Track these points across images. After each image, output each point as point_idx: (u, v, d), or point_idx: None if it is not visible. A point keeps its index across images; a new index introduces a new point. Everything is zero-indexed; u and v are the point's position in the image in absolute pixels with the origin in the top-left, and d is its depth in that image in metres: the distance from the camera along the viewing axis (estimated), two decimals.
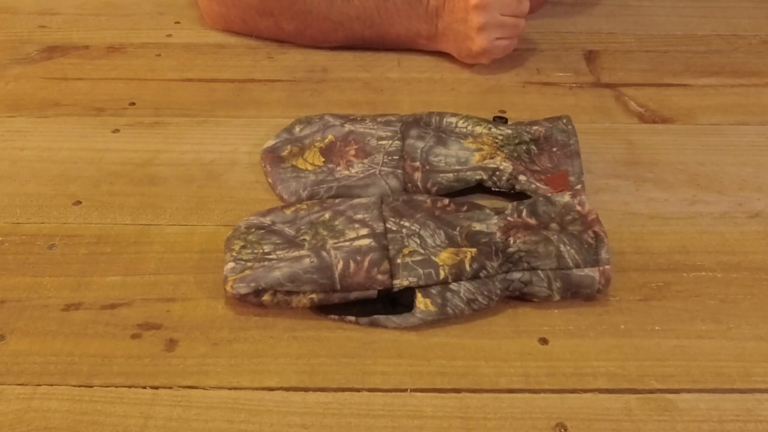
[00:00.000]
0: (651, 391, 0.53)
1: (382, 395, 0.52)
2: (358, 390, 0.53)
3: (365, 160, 0.69)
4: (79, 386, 0.53)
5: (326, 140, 0.72)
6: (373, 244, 0.58)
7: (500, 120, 0.74)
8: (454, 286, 0.56)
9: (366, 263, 0.57)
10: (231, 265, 0.58)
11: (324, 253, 0.57)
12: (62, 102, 0.81)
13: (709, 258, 0.63)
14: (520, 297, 0.58)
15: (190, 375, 0.53)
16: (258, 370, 0.54)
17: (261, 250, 0.59)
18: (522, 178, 0.66)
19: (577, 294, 0.58)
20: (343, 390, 0.53)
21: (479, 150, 0.69)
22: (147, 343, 0.56)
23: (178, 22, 0.95)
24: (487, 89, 0.84)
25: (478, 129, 0.71)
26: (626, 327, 0.57)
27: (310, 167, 0.69)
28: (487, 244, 0.58)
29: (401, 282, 0.56)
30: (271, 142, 0.73)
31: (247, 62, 0.88)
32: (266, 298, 0.56)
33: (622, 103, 0.81)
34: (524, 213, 0.61)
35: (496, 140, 0.70)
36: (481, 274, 0.57)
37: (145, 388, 0.53)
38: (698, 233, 0.65)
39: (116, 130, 0.77)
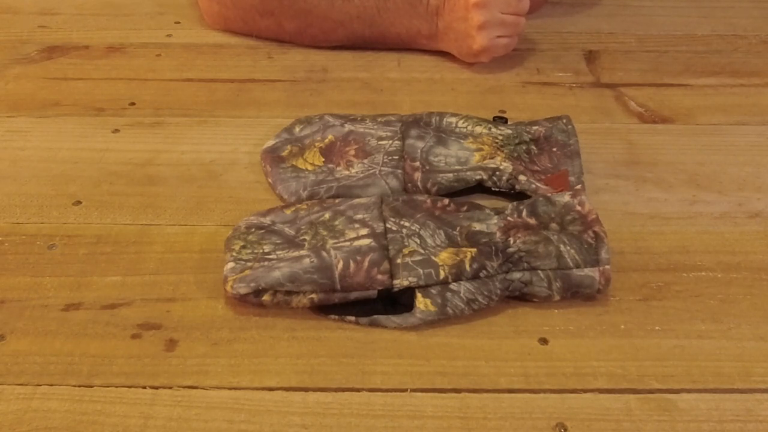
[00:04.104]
0: (651, 391, 0.53)
1: (382, 395, 0.52)
2: (358, 390, 0.53)
3: (365, 160, 0.69)
4: (79, 386, 0.53)
5: (326, 140, 0.72)
6: (373, 244, 0.58)
7: (500, 120, 0.74)
8: (454, 286, 0.56)
9: (366, 263, 0.57)
10: (231, 265, 0.58)
11: (324, 253, 0.57)
12: (62, 102, 0.81)
13: (709, 258, 0.63)
14: (520, 297, 0.58)
15: (190, 375, 0.53)
16: (258, 370, 0.54)
17: (261, 250, 0.59)
18: (522, 178, 0.66)
19: (577, 294, 0.58)
20: (343, 390, 0.53)
21: (479, 150, 0.69)
22: (147, 343, 0.56)
23: (178, 22, 0.95)
24: (487, 89, 0.84)
25: (478, 129, 0.71)
26: (626, 327, 0.57)
27: (310, 167, 0.69)
28: (487, 244, 0.58)
29: (401, 282, 0.56)
30: (271, 142, 0.73)
31: (247, 62, 0.88)
32: (266, 298, 0.56)
33: (622, 103, 0.81)
34: (524, 213, 0.61)
35: (496, 140, 0.70)
36: (481, 274, 0.57)
37: (145, 388, 0.53)
38: (698, 233, 0.65)
39: (116, 130, 0.77)
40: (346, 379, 0.53)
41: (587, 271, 0.57)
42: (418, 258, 0.57)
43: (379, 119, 0.74)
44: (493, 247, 0.58)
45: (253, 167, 0.72)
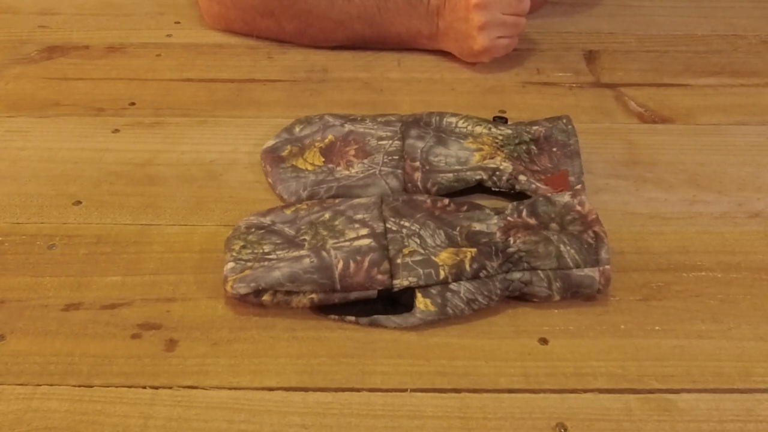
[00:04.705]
0: (651, 391, 0.53)
1: (382, 395, 0.52)
2: (358, 390, 0.53)
3: (365, 160, 0.69)
4: (79, 386, 0.53)
5: (326, 140, 0.72)
6: (373, 244, 0.58)
7: (500, 120, 0.74)
8: (454, 286, 0.56)
9: (366, 263, 0.57)
10: (231, 265, 0.58)
11: (324, 253, 0.57)
12: (62, 102, 0.81)
13: (709, 258, 0.63)
14: (520, 297, 0.58)
15: (190, 375, 0.53)
16: (258, 370, 0.54)
17: (261, 250, 0.59)
18: (522, 178, 0.66)
19: (577, 294, 0.58)
20: (343, 390, 0.53)
21: (479, 150, 0.69)
22: (147, 343, 0.56)
23: (178, 22, 0.95)
24: (487, 89, 0.84)
25: (478, 129, 0.71)
26: (626, 327, 0.57)
27: (310, 167, 0.69)
28: (487, 244, 0.58)
29: (401, 282, 0.56)
30: (271, 142, 0.73)
31: (247, 62, 0.88)
32: (266, 298, 0.56)
33: (622, 103, 0.81)
34: (524, 213, 0.61)
35: (496, 140, 0.70)
36: (481, 274, 0.57)
37: (145, 388, 0.53)
38: (698, 233, 0.65)
39: (116, 130, 0.77)
40: (346, 379, 0.53)
41: (587, 271, 0.57)
42: (418, 258, 0.57)
43: (379, 119, 0.74)
44: (493, 247, 0.58)
45: (253, 167, 0.72)
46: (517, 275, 0.57)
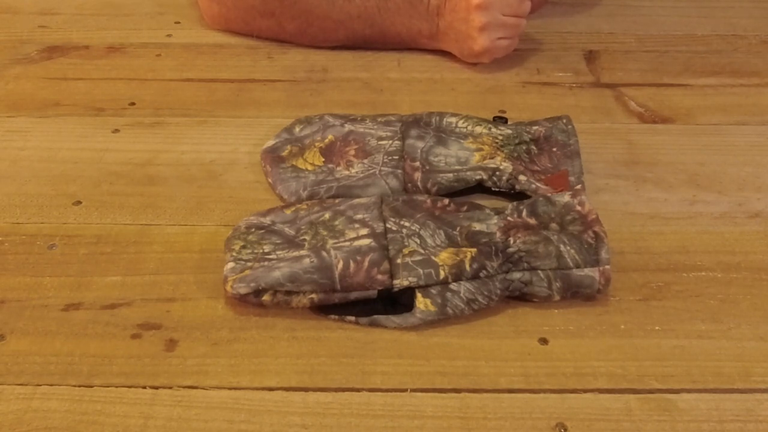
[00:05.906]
0: (651, 391, 0.53)
1: (382, 395, 0.52)
2: (358, 390, 0.53)
3: (365, 160, 0.69)
4: (79, 386, 0.53)
5: (326, 140, 0.72)
6: (373, 244, 0.58)
7: (500, 120, 0.74)
8: (454, 286, 0.56)
9: (366, 263, 0.57)
10: (231, 265, 0.58)
11: (324, 253, 0.57)
12: (62, 102, 0.81)
13: (709, 258, 0.63)
14: (520, 297, 0.58)
15: (190, 375, 0.53)
16: (258, 370, 0.54)
17: (261, 250, 0.59)
18: (522, 178, 0.66)
19: (577, 294, 0.58)
20: (343, 390, 0.53)
21: (479, 150, 0.69)
22: (147, 343, 0.56)
23: (178, 22, 0.95)
24: (487, 89, 0.84)
25: (478, 129, 0.71)
26: (626, 327, 0.57)
27: (310, 167, 0.69)
28: (487, 244, 0.58)
29: (401, 282, 0.56)
30: (271, 142, 0.73)
31: (247, 62, 0.88)
32: (266, 298, 0.56)
33: (622, 103, 0.81)
34: (524, 213, 0.61)
35: (496, 140, 0.70)
36: (481, 274, 0.57)
37: (145, 388, 0.53)
38: (698, 233, 0.65)
39: (116, 130, 0.77)
40: (346, 379, 0.53)
41: (587, 271, 0.57)
42: (418, 258, 0.57)
43: (379, 119, 0.74)
44: (493, 247, 0.58)
45: (253, 167, 0.72)
46: (517, 275, 0.57)
